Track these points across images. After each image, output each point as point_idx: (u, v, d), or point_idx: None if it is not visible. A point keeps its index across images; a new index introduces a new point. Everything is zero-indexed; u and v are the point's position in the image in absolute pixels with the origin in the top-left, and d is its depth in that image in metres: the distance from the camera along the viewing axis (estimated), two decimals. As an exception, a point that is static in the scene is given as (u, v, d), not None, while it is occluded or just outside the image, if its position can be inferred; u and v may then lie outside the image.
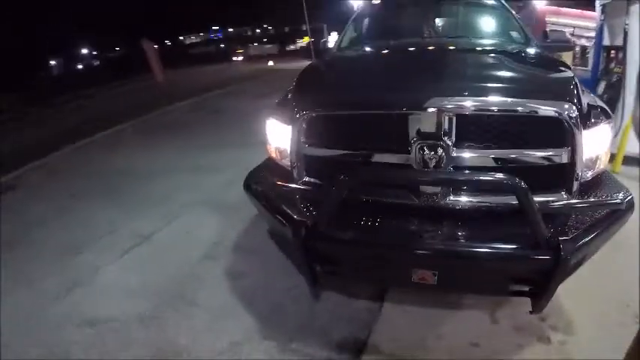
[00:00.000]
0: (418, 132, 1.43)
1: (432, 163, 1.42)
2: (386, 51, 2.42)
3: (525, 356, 1.74)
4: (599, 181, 1.63)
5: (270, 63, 23.32)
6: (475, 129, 1.43)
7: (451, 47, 2.32)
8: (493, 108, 1.40)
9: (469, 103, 1.39)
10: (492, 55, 2.12)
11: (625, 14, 3.40)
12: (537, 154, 1.43)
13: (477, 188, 1.47)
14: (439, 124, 1.40)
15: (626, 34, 3.42)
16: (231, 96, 10.67)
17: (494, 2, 2.98)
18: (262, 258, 2.54)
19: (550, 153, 1.42)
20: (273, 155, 1.92)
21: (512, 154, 1.42)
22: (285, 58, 27.18)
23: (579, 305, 1.98)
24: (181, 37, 57.27)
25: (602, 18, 3.96)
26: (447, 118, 1.39)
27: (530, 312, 1.54)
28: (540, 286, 1.42)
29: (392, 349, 1.79)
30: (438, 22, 2.84)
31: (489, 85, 1.53)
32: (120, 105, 10.45)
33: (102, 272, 2.56)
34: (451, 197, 1.48)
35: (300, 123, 1.62)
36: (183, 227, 3.10)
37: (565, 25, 6.63)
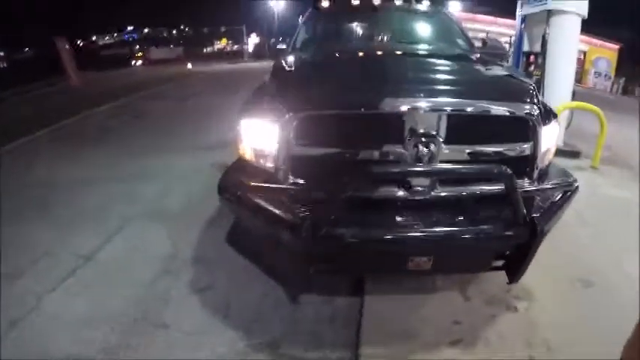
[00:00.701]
0: (413, 130, 1.51)
1: (425, 158, 1.51)
2: (360, 53, 2.47)
3: (500, 325, 1.91)
4: (550, 169, 1.91)
5: (189, 66, 22.29)
6: (457, 128, 1.55)
7: (419, 52, 2.47)
8: (473, 109, 1.54)
9: (455, 104, 1.53)
10: (456, 61, 2.29)
11: (545, 24, 3.98)
12: (507, 148, 1.62)
13: (466, 178, 1.60)
14: (431, 123, 1.52)
15: (545, 41, 3.99)
16: (152, 99, 9.92)
17: (442, 11, 3.26)
18: (226, 267, 2.38)
19: (517, 146, 1.63)
20: (248, 157, 1.79)
21: (487, 148, 1.60)
22: (204, 61, 26.14)
23: (532, 277, 2.15)
24: (94, 37, 51.55)
25: (523, 27, 4.55)
26: (437, 117, 1.52)
27: (508, 282, 1.76)
28: (518, 258, 1.61)
29: (383, 338, 1.80)
30: (391, 28, 2.95)
31: (466, 88, 1.70)
32: (33, 111, 9.06)
33: (46, 301, 2.14)
34: (438, 189, 1.58)
35: (291, 122, 1.53)
36: (127, 243, 2.75)
37: (480, 31, 7.47)
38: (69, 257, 2.56)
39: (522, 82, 1.89)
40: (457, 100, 1.55)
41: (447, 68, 2.09)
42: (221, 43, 43.02)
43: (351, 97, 1.58)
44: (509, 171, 1.38)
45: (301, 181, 1.62)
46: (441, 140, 1.52)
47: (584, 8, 3.93)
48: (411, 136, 1.50)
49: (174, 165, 4.35)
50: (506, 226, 1.51)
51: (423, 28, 3.12)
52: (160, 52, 30.30)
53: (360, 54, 2.45)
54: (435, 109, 1.50)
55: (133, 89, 11.59)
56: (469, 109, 1.53)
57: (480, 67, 2.14)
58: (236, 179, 1.79)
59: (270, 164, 1.67)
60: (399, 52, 2.44)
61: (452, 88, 1.69)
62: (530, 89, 1.76)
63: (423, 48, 2.68)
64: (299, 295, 2.08)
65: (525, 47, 4.63)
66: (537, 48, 4.36)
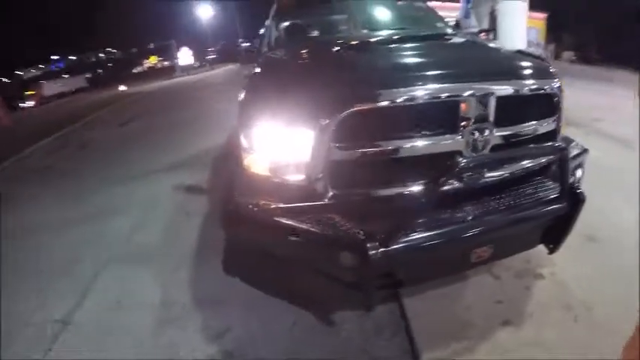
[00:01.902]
0: (465, 117, 1.41)
1: (481, 144, 1.44)
2: (369, 41, 2.26)
3: (537, 295, 1.94)
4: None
5: (122, 87, 21.03)
6: (502, 110, 1.48)
7: (426, 37, 2.29)
8: (519, 89, 1.50)
9: (499, 87, 1.46)
10: (464, 44, 2.23)
11: (492, 2, 4.18)
12: (540, 123, 1.60)
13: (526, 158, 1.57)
14: (482, 109, 1.43)
15: (494, 18, 4.20)
16: (92, 128, 9.18)
17: None
18: (235, 302, 2.09)
19: (547, 121, 1.62)
20: (262, 172, 1.53)
21: (526, 126, 1.57)
22: (135, 81, 24.65)
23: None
24: (20, 72, 45.84)
25: (470, 7, 4.77)
26: (485, 101, 1.43)
27: (549, 253, 1.75)
28: (561, 228, 1.61)
29: (438, 336, 1.71)
30: (371, 16, 2.87)
31: (505, 69, 1.64)
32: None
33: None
34: (489, 174, 1.52)
35: (331, 124, 1.33)
36: (107, 296, 2.31)
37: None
38: (43, 324, 2.13)
39: (538, 59, 1.88)
40: (507, 81, 1.50)
41: (467, 50, 2.03)
42: (150, 62, 40.86)
43: (402, 87, 1.39)
44: (563, 145, 1.41)
45: (347, 191, 1.44)
46: (492, 126, 1.46)
47: (531, -14, 4.18)
48: (466, 123, 1.41)
49: (138, 194, 3.88)
50: (556, 199, 1.51)
51: (407, 14, 3.02)
52: (57, 86, 26.24)
53: (371, 42, 2.24)
54: (488, 93, 1.42)
55: (68, 121, 10.59)
56: (517, 90, 1.49)
57: (493, 48, 2.10)
58: (255, 202, 1.50)
59: (299, 176, 1.45)
60: (402, 39, 2.25)
61: (492, 69, 1.61)
62: (549, 65, 1.76)
63: (424, 32, 2.53)
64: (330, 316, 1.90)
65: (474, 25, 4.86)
66: (484, 25, 4.57)
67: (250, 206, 1.50)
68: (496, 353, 1.63)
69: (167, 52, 34.43)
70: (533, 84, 1.54)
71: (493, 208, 1.49)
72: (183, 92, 14.39)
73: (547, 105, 1.62)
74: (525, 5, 4.38)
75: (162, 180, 4.11)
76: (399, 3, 3.14)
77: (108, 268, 2.62)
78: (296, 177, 1.47)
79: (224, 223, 1.70)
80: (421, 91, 1.36)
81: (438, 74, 1.45)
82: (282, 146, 1.46)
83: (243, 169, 1.59)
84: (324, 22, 2.83)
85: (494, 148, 1.49)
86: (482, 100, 1.41)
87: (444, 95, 1.38)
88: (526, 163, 1.57)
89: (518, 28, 4.44)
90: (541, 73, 1.64)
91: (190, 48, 33.77)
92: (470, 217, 1.43)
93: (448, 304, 1.93)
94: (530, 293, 1.96)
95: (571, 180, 1.61)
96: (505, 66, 1.69)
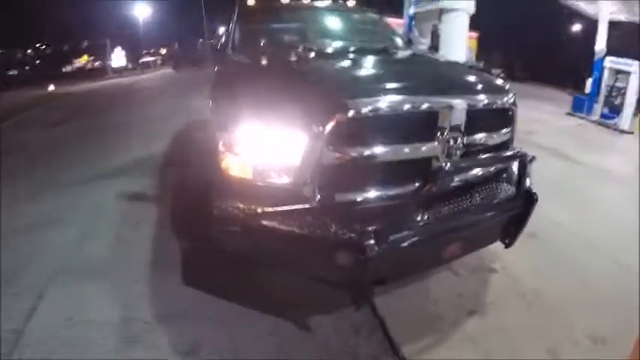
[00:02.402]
0: (442, 127, 1.51)
1: (454, 151, 1.54)
2: (336, 53, 2.31)
3: (493, 286, 2.14)
4: None
5: (51, 87, 19.12)
6: (469, 121, 1.60)
7: (403, 53, 2.46)
8: (479, 104, 1.64)
9: (477, 100, 1.63)
10: (433, 60, 2.35)
11: (436, 20, 4.52)
12: (499, 133, 1.77)
13: (494, 164, 1.74)
14: (458, 119, 1.54)
15: (437, 35, 4.53)
16: (20, 129, 8.18)
17: (370, 12, 3.37)
18: (202, 315, 1.96)
19: (504, 131, 1.79)
20: (243, 175, 1.48)
21: (488, 136, 1.72)
22: (64, 81, 22.51)
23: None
24: None
25: (413, 24, 5.12)
26: (459, 113, 1.54)
27: (506, 246, 1.90)
28: (516, 225, 1.79)
29: (414, 330, 1.80)
30: (329, 28, 2.95)
31: (470, 86, 1.80)
32: None
33: None
34: (459, 177, 1.65)
35: (328, 128, 1.33)
36: (57, 312, 2.02)
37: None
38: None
39: (493, 77, 2.09)
40: (478, 96, 1.65)
41: (438, 67, 2.15)
42: (81, 61, 37.47)
43: (394, 96, 1.46)
44: (526, 152, 1.60)
45: (335, 194, 1.45)
46: (464, 133, 1.58)
47: (471, 6, 4.61)
48: (442, 131, 1.51)
49: (77, 204, 3.47)
50: (514, 199, 1.69)
51: (352, 27, 3.11)
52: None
53: (348, 51, 2.29)
54: (465, 106, 1.54)
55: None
56: (487, 104, 1.65)
57: (456, 65, 2.24)
58: (243, 207, 1.45)
59: (284, 180, 1.43)
60: (375, 51, 2.32)
61: (467, 85, 1.77)
62: (505, 83, 1.95)
63: (384, 45, 2.61)
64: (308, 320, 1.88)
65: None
66: (426, 41, 4.94)
67: (234, 210, 1.45)
68: (466, 341, 1.75)
69: (100, 52, 31.93)
70: (498, 98, 1.72)
71: (465, 207, 1.62)
72: (120, 95, 13.47)
73: (504, 117, 1.81)
74: (466, 24, 4.81)
75: (104, 187, 3.75)
76: (360, 16, 3.30)
77: (54, 280, 2.30)
78: (281, 180, 1.44)
79: (206, 226, 1.57)
80: (412, 102, 1.46)
81: (427, 87, 1.57)
82: (268, 149, 1.44)
83: (221, 171, 1.52)
84: (292, 30, 2.86)
85: (463, 155, 1.62)
86: (458, 112, 1.53)
87: (429, 107, 1.48)
88: (491, 168, 1.73)
89: (459, 45, 4.87)
90: (501, 89, 1.83)
91: (124, 49, 31.87)
92: (447, 216, 1.55)
93: (416, 299, 2.04)
94: (487, 285, 2.16)
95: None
96: (476, 83, 1.85)
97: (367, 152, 1.40)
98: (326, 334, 1.81)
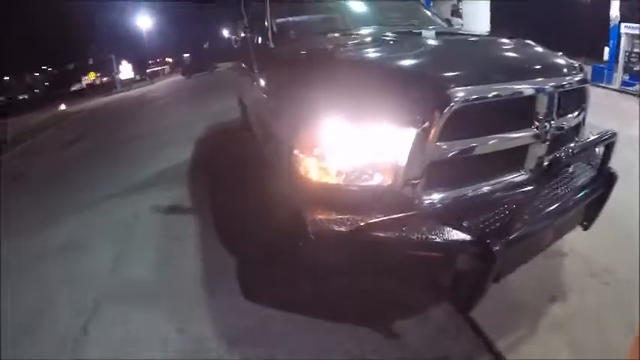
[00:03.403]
0: (537, 111, 1.44)
1: (550, 134, 1.47)
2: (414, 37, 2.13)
3: (566, 268, 2.07)
4: None
5: (62, 107, 19.57)
6: (558, 103, 1.53)
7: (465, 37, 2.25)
8: (567, 84, 1.54)
9: (559, 82, 1.51)
10: (494, 41, 2.15)
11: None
12: (578, 113, 1.69)
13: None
14: (550, 101, 1.46)
15: (457, 14, 4.44)
16: (32, 153, 8.13)
17: None
18: (273, 334, 1.80)
19: (581, 109, 1.71)
20: (332, 180, 1.33)
21: (571, 117, 1.65)
22: (75, 100, 22.86)
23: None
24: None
25: (432, 4, 4.98)
26: (552, 96, 1.47)
27: (584, 229, 1.82)
28: (598, 205, 1.72)
29: (502, 322, 1.73)
30: (361, 12, 2.79)
31: (555, 66, 1.66)
32: None
33: None
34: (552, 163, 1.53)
35: (439, 120, 1.22)
36: (110, 344, 1.89)
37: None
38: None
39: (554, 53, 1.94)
40: (565, 76, 1.55)
41: (507, 48, 1.95)
42: (89, 78, 38.29)
43: (498, 83, 1.35)
44: (614, 132, 1.51)
45: (447, 192, 1.35)
46: (556, 116, 1.51)
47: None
48: (538, 116, 1.44)
49: (109, 220, 3.33)
50: (596, 181, 1.62)
51: (409, 10, 3.02)
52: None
53: (420, 36, 2.12)
54: (557, 87, 1.47)
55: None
56: (571, 84, 1.55)
57: (522, 44, 2.02)
58: (343, 218, 1.30)
59: (388, 181, 1.29)
60: (439, 34, 2.18)
61: (551, 65, 1.65)
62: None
63: (442, 29, 2.55)
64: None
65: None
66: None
67: (332, 223, 1.29)
68: (555, 328, 1.69)
69: (107, 67, 32.47)
70: (577, 77, 1.62)
71: (561, 192, 1.54)
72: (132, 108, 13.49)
73: (582, 96, 1.72)
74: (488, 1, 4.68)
75: (135, 202, 3.57)
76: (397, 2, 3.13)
77: (99, 311, 2.14)
78: (381, 182, 1.31)
79: (298, 247, 1.43)
80: (514, 87, 1.37)
81: (520, 71, 1.47)
82: (361, 148, 1.29)
83: (298, 177, 1.40)
84: (333, 19, 2.67)
85: (554, 139, 1.53)
86: (551, 94, 1.45)
87: (530, 91, 1.40)
88: (580, 150, 1.63)
89: (484, 22, 4.74)
90: (575, 67, 1.71)
91: (130, 61, 32.33)
92: (547, 204, 1.46)
93: (496, 290, 1.96)
94: (561, 269, 2.08)
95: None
96: (556, 63, 1.71)
97: (476, 143, 1.32)
98: (413, 340, 1.70)
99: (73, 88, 34.76)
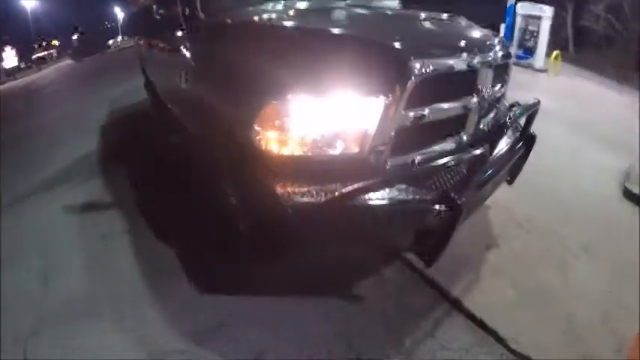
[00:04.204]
0: (476, 84, 1.56)
1: (484, 107, 1.62)
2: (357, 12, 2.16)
3: (493, 220, 2.39)
4: None
5: None
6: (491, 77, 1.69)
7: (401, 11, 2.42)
8: (501, 58, 1.71)
9: (496, 56, 1.66)
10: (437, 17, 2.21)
11: None
12: (502, 88, 1.89)
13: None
14: (487, 75, 1.61)
15: None
16: None
17: None
18: (241, 324, 1.69)
19: (504, 84, 1.91)
20: (298, 152, 1.32)
21: (498, 91, 1.82)
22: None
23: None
24: None
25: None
26: (490, 69, 1.62)
27: (509, 184, 2.09)
28: (519, 165, 2.00)
29: (451, 272, 1.89)
30: None
31: (490, 41, 1.78)
32: None
33: None
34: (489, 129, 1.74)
35: (403, 88, 1.28)
36: None
37: None
38: None
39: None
40: (499, 51, 1.69)
41: (445, 23, 2.09)
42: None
43: (451, 54, 1.46)
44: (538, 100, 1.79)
45: (404, 158, 1.41)
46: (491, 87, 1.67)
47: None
48: (478, 87, 1.57)
49: (19, 228, 2.75)
50: (521, 141, 1.89)
51: None
52: None
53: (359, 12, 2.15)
54: (494, 61, 1.62)
55: None
56: (503, 58, 1.72)
57: (466, 22, 2.15)
58: (316, 189, 1.31)
59: (354, 150, 1.32)
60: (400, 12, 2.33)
61: (487, 40, 1.78)
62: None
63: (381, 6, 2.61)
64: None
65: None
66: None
67: (305, 195, 1.30)
68: (497, 273, 1.97)
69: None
70: (507, 52, 1.82)
71: (500, 152, 1.75)
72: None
73: (507, 69, 1.94)
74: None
75: (44, 204, 3.05)
76: None
77: (41, 333, 1.79)
78: (348, 151, 1.32)
79: (269, 224, 1.42)
80: (465, 60, 1.48)
81: (466, 46, 1.59)
82: (327, 118, 1.30)
83: (262, 153, 1.36)
84: None
85: (489, 108, 1.71)
86: (490, 67, 1.61)
87: (475, 64, 1.51)
88: (520, 115, 1.82)
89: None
90: (504, 43, 1.91)
91: (14, 47, 27.64)
92: (490, 162, 1.62)
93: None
94: (489, 220, 2.41)
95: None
96: (489, 38, 1.86)
97: (435, 109, 1.42)
98: (376, 299, 1.81)
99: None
